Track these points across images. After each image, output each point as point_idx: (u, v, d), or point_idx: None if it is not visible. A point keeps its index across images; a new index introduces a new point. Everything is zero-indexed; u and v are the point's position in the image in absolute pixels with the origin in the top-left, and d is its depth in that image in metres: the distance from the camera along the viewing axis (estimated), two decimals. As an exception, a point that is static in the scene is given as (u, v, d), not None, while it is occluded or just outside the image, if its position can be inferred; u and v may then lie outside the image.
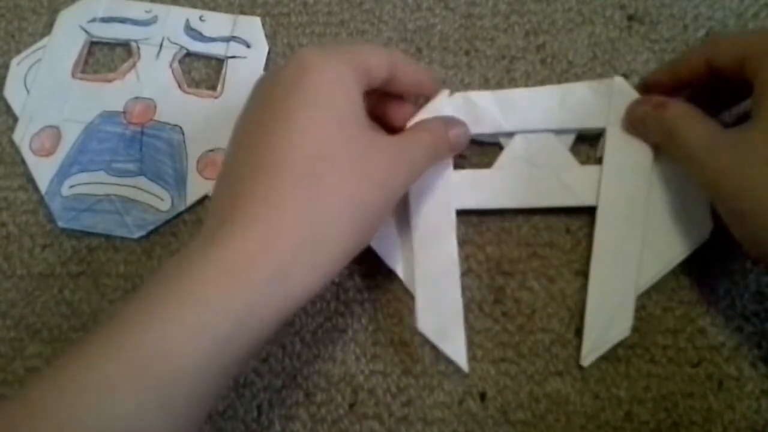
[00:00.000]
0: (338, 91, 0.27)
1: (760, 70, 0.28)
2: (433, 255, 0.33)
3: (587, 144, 0.36)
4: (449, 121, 0.33)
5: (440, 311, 0.32)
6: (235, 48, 0.40)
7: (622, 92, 0.34)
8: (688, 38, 0.38)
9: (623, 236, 0.32)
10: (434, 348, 0.33)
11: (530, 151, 0.35)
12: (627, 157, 0.33)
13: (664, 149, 0.32)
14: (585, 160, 0.35)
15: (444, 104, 0.35)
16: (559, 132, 0.35)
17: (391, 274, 0.34)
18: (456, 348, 0.32)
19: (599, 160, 0.34)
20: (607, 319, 0.32)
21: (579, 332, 0.32)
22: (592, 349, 0.32)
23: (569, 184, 0.34)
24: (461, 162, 0.36)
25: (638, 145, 0.33)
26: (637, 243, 0.32)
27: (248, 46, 0.40)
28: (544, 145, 0.35)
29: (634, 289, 0.32)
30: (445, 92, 0.35)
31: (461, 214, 0.34)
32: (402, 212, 0.34)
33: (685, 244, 0.32)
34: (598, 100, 0.35)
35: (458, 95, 0.36)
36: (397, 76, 0.31)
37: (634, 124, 0.33)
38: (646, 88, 0.34)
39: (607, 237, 0.32)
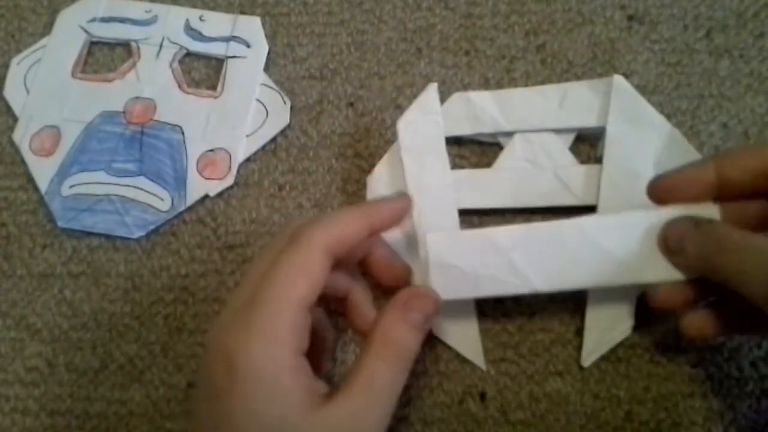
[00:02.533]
0: (272, 386, 0.24)
1: None
2: None
3: (587, 144, 0.36)
4: (406, 304, 0.27)
5: (454, 313, 0.32)
6: (235, 48, 0.40)
7: (622, 91, 0.34)
8: (688, 38, 0.38)
9: None
10: (434, 348, 0.33)
11: (530, 151, 0.35)
12: (627, 155, 0.33)
13: (710, 273, 0.26)
14: (585, 160, 0.35)
15: (433, 99, 0.35)
16: (558, 131, 0.35)
17: (391, 274, 0.34)
18: (473, 349, 0.32)
19: (599, 160, 0.34)
20: (608, 319, 0.32)
21: (579, 332, 0.32)
22: (592, 350, 0.32)
23: (569, 183, 0.34)
24: (461, 162, 0.36)
25: (638, 144, 0.33)
26: None
27: (248, 46, 0.40)
28: (544, 144, 0.35)
29: (634, 288, 0.32)
30: (434, 86, 0.35)
31: (461, 214, 0.34)
32: (407, 218, 0.34)
33: None
34: (598, 99, 0.35)
35: (458, 95, 0.36)
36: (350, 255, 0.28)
37: (672, 246, 0.27)
38: (660, 192, 0.29)
39: None
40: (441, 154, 0.34)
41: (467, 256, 0.29)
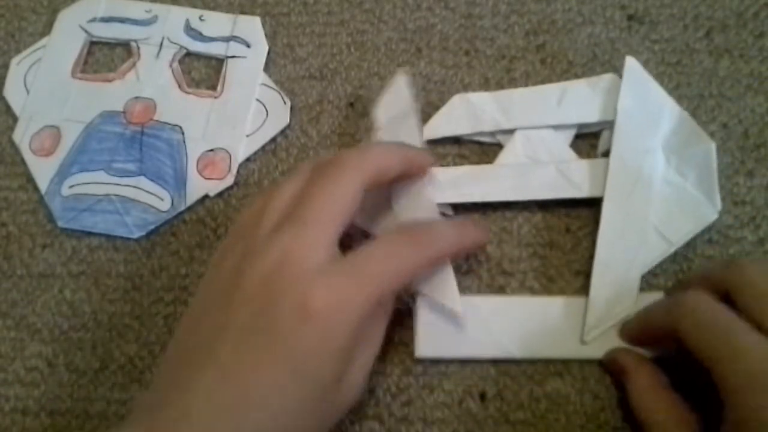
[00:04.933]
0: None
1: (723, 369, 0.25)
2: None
3: (587, 143, 0.36)
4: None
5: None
6: (235, 48, 0.40)
7: (634, 72, 0.35)
8: (688, 38, 0.38)
9: (630, 215, 0.32)
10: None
11: (531, 148, 0.35)
12: (636, 134, 0.33)
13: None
14: (585, 157, 0.35)
15: (405, 90, 0.35)
16: (558, 128, 0.35)
17: (391, 274, 0.34)
18: (449, 294, 0.31)
19: (599, 156, 0.34)
20: (612, 294, 0.32)
21: (579, 332, 0.32)
22: (595, 325, 0.31)
23: (571, 177, 0.34)
24: (461, 162, 0.36)
25: (647, 123, 0.34)
26: (643, 222, 0.32)
27: (248, 45, 0.40)
28: (545, 141, 0.35)
29: (639, 267, 0.32)
30: (402, 70, 0.36)
31: (463, 209, 0.34)
32: (388, 213, 0.34)
33: (692, 223, 0.33)
34: (597, 95, 0.35)
35: (458, 96, 0.36)
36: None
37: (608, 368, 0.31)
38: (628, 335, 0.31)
39: (614, 216, 0.32)
40: (413, 125, 0.35)
41: (452, 318, 0.32)
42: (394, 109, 0.35)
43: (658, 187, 0.33)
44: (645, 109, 0.34)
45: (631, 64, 0.35)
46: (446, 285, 0.32)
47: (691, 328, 0.26)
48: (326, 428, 0.27)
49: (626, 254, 0.32)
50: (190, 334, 0.27)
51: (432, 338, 0.32)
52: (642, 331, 0.30)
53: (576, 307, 0.32)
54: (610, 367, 0.31)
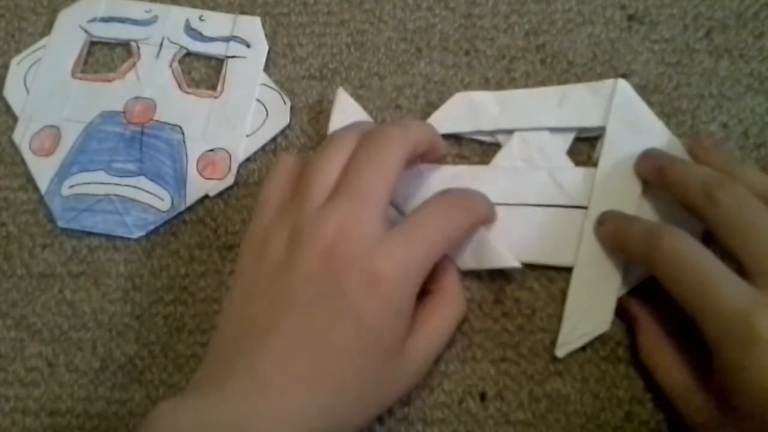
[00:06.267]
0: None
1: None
2: None
3: (588, 144, 0.36)
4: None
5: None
6: (235, 48, 0.40)
7: (625, 95, 0.34)
8: (688, 38, 0.38)
9: None
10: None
11: (527, 151, 0.35)
12: (623, 159, 0.33)
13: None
14: (586, 160, 0.35)
15: (345, 98, 0.36)
16: (556, 132, 0.35)
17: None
18: (499, 255, 0.32)
19: (597, 162, 0.34)
20: (587, 312, 0.32)
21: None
22: (567, 341, 0.32)
23: (563, 184, 0.34)
24: (461, 162, 0.36)
25: (636, 149, 0.33)
26: None
27: (248, 46, 0.40)
28: (542, 145, 0.35)
29: (617, 286, 0.31)
30: (340, 89, 0.37)
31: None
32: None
33: None
34: (597, 100, 0.35)
35: (459, 95, 0.36)
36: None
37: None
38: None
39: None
40: None
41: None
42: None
43: (644, 206, 0.33)
44: (634, 133, 0.34)
45: (624, 87, 0.35)
46: (491, 250, 0.32)
47: (667, 271, 0.27)
48: (391, 400, 0.28)
49: (606, 272, 0.32)
50: (245, 310, 0.27)
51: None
52: (613, 242, 0.31)
53: (573, 216, 0.33)
54: (622, 313, 0.32)
